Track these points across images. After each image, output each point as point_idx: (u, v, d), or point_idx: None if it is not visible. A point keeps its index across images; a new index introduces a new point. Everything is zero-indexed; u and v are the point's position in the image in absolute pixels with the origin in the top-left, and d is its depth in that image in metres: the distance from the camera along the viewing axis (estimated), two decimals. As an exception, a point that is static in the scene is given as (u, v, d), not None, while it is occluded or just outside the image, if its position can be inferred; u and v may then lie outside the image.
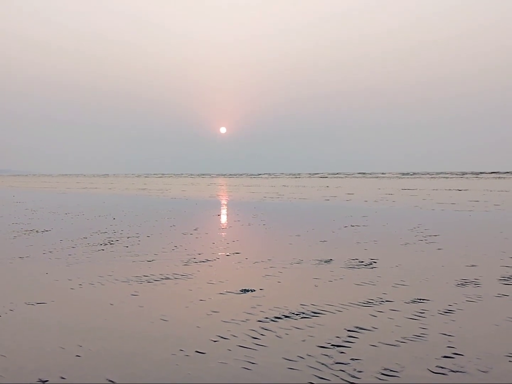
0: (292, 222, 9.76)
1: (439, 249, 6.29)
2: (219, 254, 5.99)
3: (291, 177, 74.99)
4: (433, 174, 76.21)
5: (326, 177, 74.87)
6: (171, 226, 9.05)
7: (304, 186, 33.93)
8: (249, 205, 14.86)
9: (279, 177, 77.16)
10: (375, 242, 6.94)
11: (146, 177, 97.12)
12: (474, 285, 4.28)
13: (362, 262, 5.41)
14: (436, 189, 25.85)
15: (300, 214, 11.79)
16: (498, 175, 63.64)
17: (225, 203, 16.81)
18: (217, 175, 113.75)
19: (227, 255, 5.88)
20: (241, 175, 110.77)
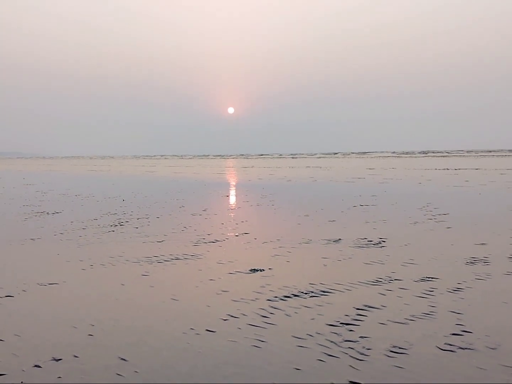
0: (301, 202, 9.76)
1: (448, 227, 6.27)
2: (228, 234, 6.02)
3: (303, 157, 74.69)
4: (451, 152, 75.46)
5: (338, 157, 74.41)
6: (180, 207, 9.08)
7: (314, 167, 33.79)
8: (257, 186, 14.86)
9: (288, 158, 76.91)
10: (384, 221, 6.93)
11: (154, 159, 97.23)
12: (483, 263, 4.27)
13: (371, 241, 5.41)
14: (448, 169, 25.65)
15: (309, 194, 11.77)
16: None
17: (234, 184, 16.82)
18: (224, 155, 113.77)
19: (236, 236, 5.91)
20: (249, 155, 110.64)
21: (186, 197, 11.30)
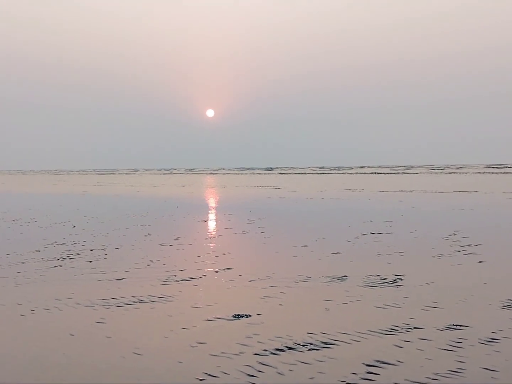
0: (297, 229, 9.80)
1: (480, 262, 6.32)
2: (206, 270, 6.02)
3: (294, 173, 75.12)
4: (477, 167, 76.17)
5: (342, 172, 75.06)
6: (146, 236, 9.07)
7: (313, 183, 33.93)
8: (243, 208, 14.87)
9: (281, 173, 77.29)
10: (400, 253, 6.98)
11: (113, 174, 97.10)
12: (524, 307, 4.31)
13: (384, 279, 5.44)
14: (477, 186, 25.92)
15: (307, 218, 11.82)
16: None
17: (214, 205, 16.82)
18: (203, 170, 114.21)
19: (216, 272, 5.91)
20: (233, 170, 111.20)
21: (153, 222, 11.29)
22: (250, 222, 11.15)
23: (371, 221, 10.99)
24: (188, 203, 17.43)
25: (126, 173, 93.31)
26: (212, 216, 12.94)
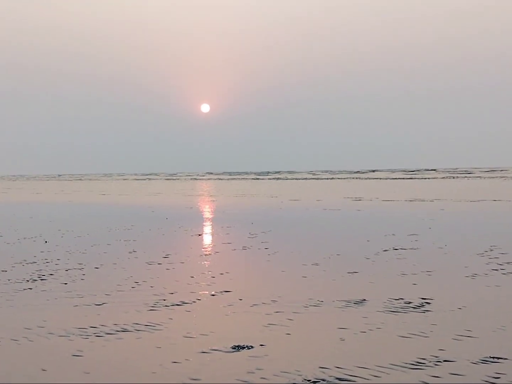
0: (306, 244, 9.81)
1: (521, 282, 6.32)
2: (201, 293, 6.01)
3: (295, 178, 75.23)
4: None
5: (357, 177, 75.26)
6: (130, 252, 9.08)
7: (319, 190, 33.91)
8: (243, 220, 14.89)
9: (278, 178, 77.38)
10: (428, 273, 6.97)
11: (96, 178, 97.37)
12: None
13: (409, 303, 5.44)
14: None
15: (317, 232, 11.83)
16: None
17: (209, 216, 16.82)
18: (197, 174, 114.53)
19: (213, 295, 5.91)
20: (233, 174, 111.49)
21: (139, 236, 11.30)
22: (252, 236, 11.17)
23: (393, 234, 10.98)
24: (179, 214, 17.44)
25: (103, 178, 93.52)
26: (207, 229, 12.95)
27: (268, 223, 13.79)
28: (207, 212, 18.75)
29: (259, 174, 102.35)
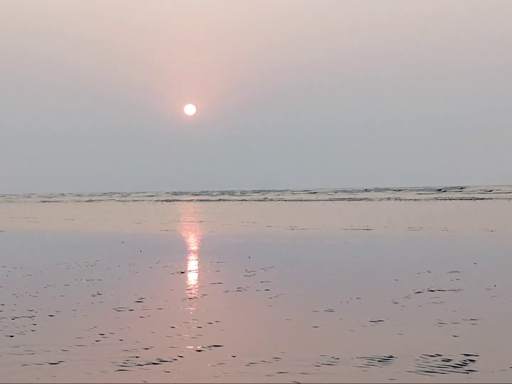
0: (317, 284, 9.75)
1: None
2: (184, 348, 5.97)
3: (300, 200, 74.90)
4: None
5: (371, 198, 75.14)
6: (94, 296, 9.02)
7: (329, 214, 33.70)
8: (238, 252, 14.79)
9: (280, 199, 77.07)
10: (472, 322, 6.94)
11: (44, 200, 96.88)
12: None
13: (448, 361, 5.41)
14: None
15: (331, 268, 11.77)
16: None
17: (195, 247, 16.72)
18: (179, 194, 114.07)
19: (199, 351, 5.87)
20: (224, 193, 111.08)
21: (105, 275, 11.24)
22: (249, 273, 11.12)
23: (428, 271, 10.93)
24: (156, 245, 17.28)
25: (69, 199, 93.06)
26: (192, 264, 12.88)
27: (268, 257, 13.72)
28: (192, 243, 18.64)
29: (247, 193, 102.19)
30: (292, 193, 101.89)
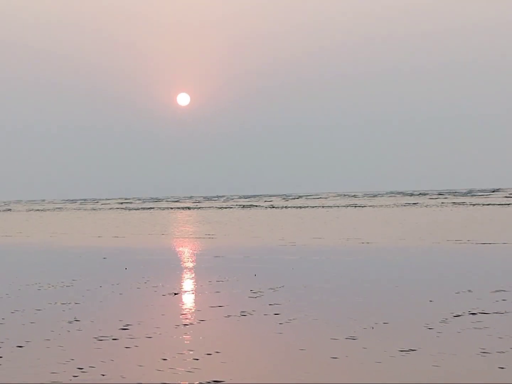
0: (335, 307, 9.75)
1: None
2: (178, 385, 5.93)
3: (308, 206, 75.36)
4: None
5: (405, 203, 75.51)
6: (71, 322, 8.97)
7: (344, 220, 33.90)
8: (242, 268, 14.85)
9: (286, 206, 77.48)
10: (523, 351, 6.89)
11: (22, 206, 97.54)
12: None
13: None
14: None
15: (350, 286, 11.81)
16: None
17: (190, 264, 16.77)
18: (171, 201, 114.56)
19: (196, 389, 5.85)
20: (225, 197, 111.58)
21: (84, 298, 11.23)
22: (255, 294, 11.12)
23: (469, 290, 10.93)
24: (144, 261, 17.38)
25: (29, 208, 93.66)
26: (188, 284, 12.93)
27: (277, 275, 13.75)
28: (187, 258, 18.69)
29: (247, 197, 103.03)
30: (299, 198, 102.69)
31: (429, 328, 8.07)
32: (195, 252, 20.86)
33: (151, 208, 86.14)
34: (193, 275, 14.44)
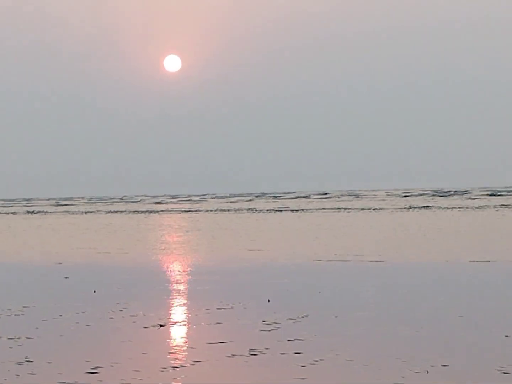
0: (376, 343, 9.67)
1: None
2: None
3: (326, 209, 76.24)
4: None
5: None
6: (20, 364, 8.77)
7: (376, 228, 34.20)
8: (251, 291, 14.81)
9: (294, 209, 78.26)
10: None
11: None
12: None
13: None
14: None
15: (397, 314, 11.85)
16: None
17: (182, 285, 16.80)
18: (157, 198, 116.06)
19: None
20: (223, 197, 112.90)
21: (38, 330, 11.11)
22: (269, 327, 10.97)
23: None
24: (119, 280, 17.30)
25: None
26: (178, 312, 12.92)
27: (299, 300, 13.70)
28: (177, 278, 18.55)
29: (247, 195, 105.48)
30: (307, 198, 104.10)
31: (504, 373, 7.81)
32: (186, 269, 20.78)
33: (118, 211, 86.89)
34: (185, 300, 14.58)
